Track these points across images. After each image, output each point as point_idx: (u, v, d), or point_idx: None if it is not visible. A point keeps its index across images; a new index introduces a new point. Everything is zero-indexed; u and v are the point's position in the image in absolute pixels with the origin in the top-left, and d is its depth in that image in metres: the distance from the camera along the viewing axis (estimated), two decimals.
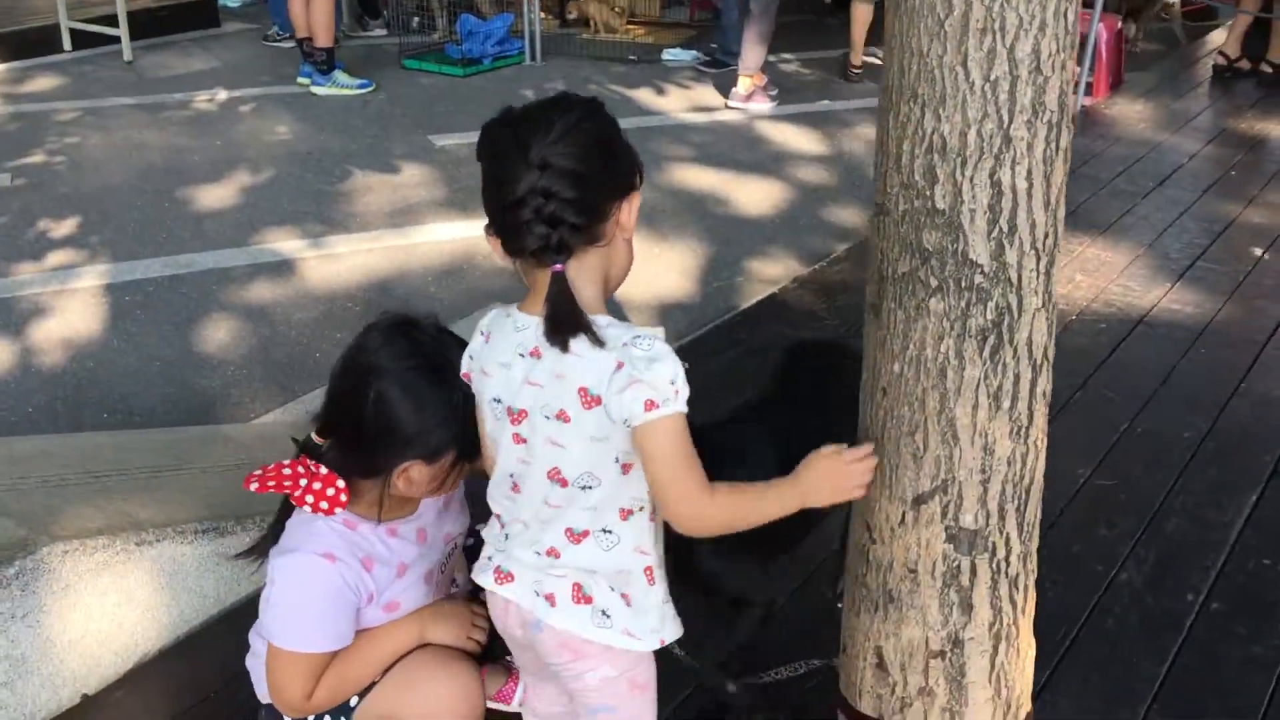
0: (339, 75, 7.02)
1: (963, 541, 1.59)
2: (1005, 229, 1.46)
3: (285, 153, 5.88)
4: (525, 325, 1.49)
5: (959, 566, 1.60)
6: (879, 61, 7.32)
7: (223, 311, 4.19)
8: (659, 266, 4.62)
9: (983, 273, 1.47)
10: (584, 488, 1.49)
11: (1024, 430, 1.55)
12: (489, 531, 1.64)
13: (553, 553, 1.53)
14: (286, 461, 1.70)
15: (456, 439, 1.67)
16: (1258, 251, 4.31)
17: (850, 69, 7.46)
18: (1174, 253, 4.31)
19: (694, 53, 8.11)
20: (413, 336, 1.72)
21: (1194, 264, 4.19)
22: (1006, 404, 1.53)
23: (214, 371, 3.78)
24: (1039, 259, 1.48)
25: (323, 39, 6.92)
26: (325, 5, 6.82)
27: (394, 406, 1.66)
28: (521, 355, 1.48)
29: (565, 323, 1.41)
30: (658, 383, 1.39)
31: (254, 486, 1.69)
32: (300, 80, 7.07)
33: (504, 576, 1.57)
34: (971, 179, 1.44)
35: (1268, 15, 6.61)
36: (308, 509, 1.68)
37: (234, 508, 2.45)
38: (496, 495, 1.60)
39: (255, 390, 3.67)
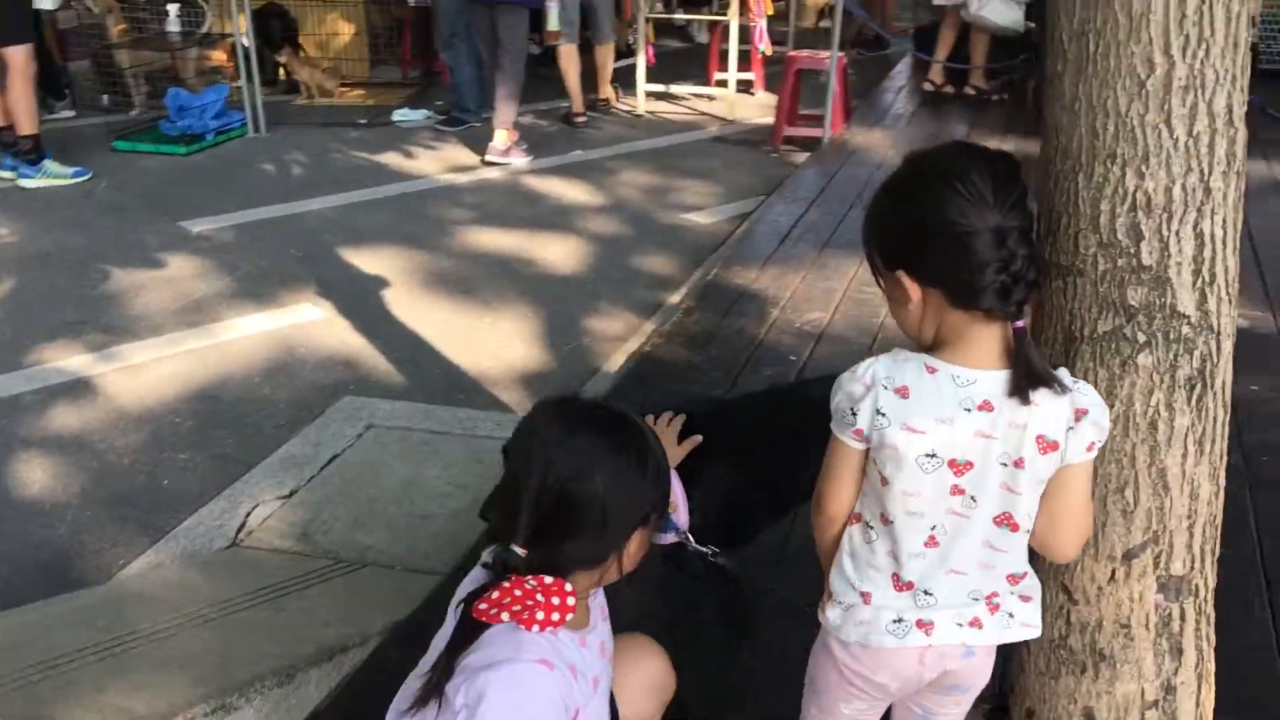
0: (49, 165, 6.31)
1: (1172, 589, 1.60)
2: (1207, 279, 1.48)
3: (17, 256, 5.21)
4: (971, 380, 1.47)
5: (1170, 614, 1.61)
6: (623, 107, 7.48)
7: (29, 447, 3.63)
8: (499, 336, 4.45)
9: (1189, 323, 1.49)
10: (1027, 531, 1.52)
11: (1218, 470, 1.58)
12: (881, 595, 1.57)
13: (993, 596, 1.56)
14: (504, 583, 1.47)
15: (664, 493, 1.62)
16: None
17: (573, 118, 7.52)
18: None
19: (425, 112, 7.93)
20: (583, 410, 1.61)
21: None
22: (1209, 448, 1.55)
23: (53, 518, 3.26)
24: (1231, 303, 1.52)
25: (26, 126, 6.20)
26: (24, 88, 6.13)
27: (624, 482, 1.51)
28: (968, 410, 1.46)
29: (1038, 376, 1.44)
30: (1103, 423, 1.48)
31: (492, 615, 1.46)
32: (3, 175, 6.29)
33: (925, 625, 1.55)
34: (1177, 233, 1.46)
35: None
36: (535, 627, 1.47)
37: (219, 679, 2.11)
38: (901, 553, 1.54)
39: (112, 534, 3.20)
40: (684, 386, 3.66)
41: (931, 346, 1.52)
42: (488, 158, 6.72)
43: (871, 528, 1.57)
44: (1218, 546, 1.65)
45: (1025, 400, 1.45)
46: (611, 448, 1.52)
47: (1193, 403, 1.52)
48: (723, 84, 8.30)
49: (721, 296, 4.38)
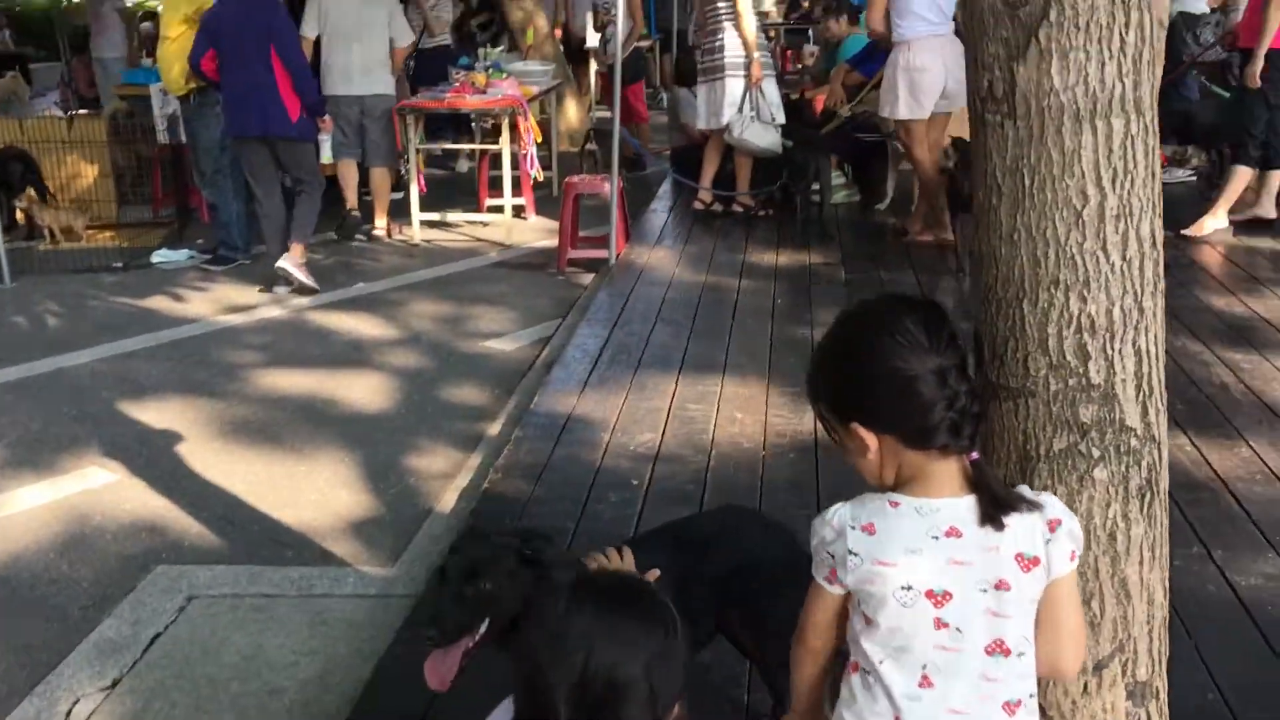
0: None
1: (1138, 695, 1.65)
2: (1147, 391, 1.57)
3: None
4: (934, 509, 1.50)
5: (1138, 719, 1.65)
6: (399, 237, 7.37)
7: None
8: (318, 484, 4.22)
9: (1136, 436, 1.57)
10: (1020, 654, 1.52)
11: (1165, 574, 1.66)
12: None
13: None
14: None
15: None
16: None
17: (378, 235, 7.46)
18: (791, 379, 4.71)
19: (187, 251, 7.58)
20: (596, 589, 1.52)
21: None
22: (1159, 553, 1.63)
23: None
24: (1164, 412, 1.61)
25: None
26: None
27: (667, 656, 1.45)
28: (935, 538, 1.49)
29: (1005, 502, 1.49)
30: (1077, 532, 1.51)
31: None
32: None
33: None
34: (1120, 351, 1.54)
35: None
36: None
37: None
38: (897, 699, 1.52)
39: None
40: (535, 521, 3.55)
41: (893, 486, 1.55)
42: (291, 271, 6.46)
43: (869, 674, 1.56)
44: (1166, 647, 1.72)
45: (998, 527, 1.48)
46: (643, 625, 1.45)
47: (1144, 511, 1.59)
48: (495, 210, 8.35)
49: (547, 425, 4.32)
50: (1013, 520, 1.49)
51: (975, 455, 1.51)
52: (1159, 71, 1.51)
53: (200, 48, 6.44)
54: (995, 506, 1.48)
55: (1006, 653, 1.51)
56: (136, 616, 3.36)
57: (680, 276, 6.32)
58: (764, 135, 7.33)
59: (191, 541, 3.81)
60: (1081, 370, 1.54)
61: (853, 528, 1.53)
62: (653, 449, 4.08)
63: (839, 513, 1.55)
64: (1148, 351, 1.56)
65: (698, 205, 7.71)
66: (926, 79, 6.17)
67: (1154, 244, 1.54)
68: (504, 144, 7.76)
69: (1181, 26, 7.90)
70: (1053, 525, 1.50)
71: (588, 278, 6.87)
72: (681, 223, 7.56)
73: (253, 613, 3.38)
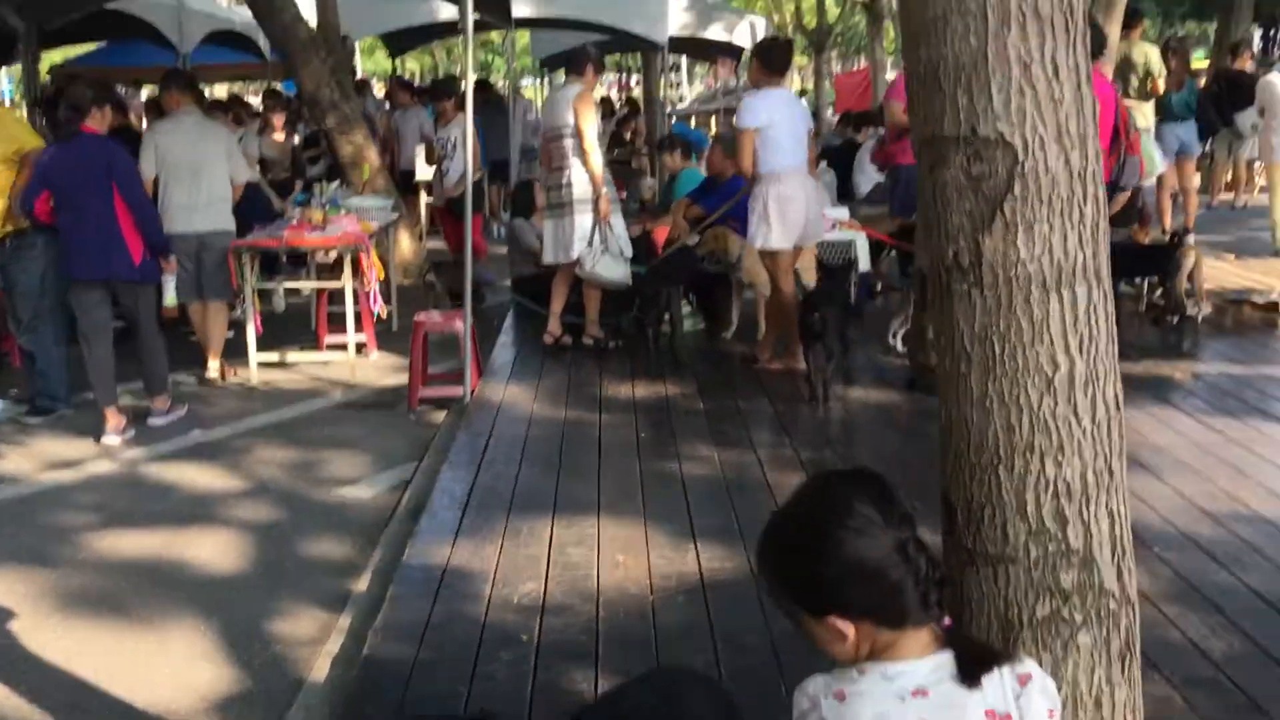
0: None
1: None
2: (1121, 553, 1.58)
3: None
4: (899, 672, 1.50)
5: None
6: (234, 380, 7.07)
7: None
8: (175, 660, 3.91)
9: (1114, 598, 1.58)
10: None
11: None
12: None
13: None
14: None
15: None
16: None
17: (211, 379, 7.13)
18: (667, 516, 4.66)
19: (1, 402, 7.07)
20: None
21: (693, 516, 4.58)
22: (1139, 715, 1.62)
23: None
24: (1134, 572, 1.63)
25: None
26: None
27: None
28: (903, 699, 1.49)
29: (988, 659, 1.49)
30: (1051, 689, 1.50)
31: None
32: None
33: None
34: (1095, 514, 1.55)
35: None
36: None
37: None
38: None
39: None
40: (425, 687, 3.36)
41: (868, 656, 1.53)
42: (154, 420, 6.16)
43: None
44: None
45: (975, 684, 1.47)
46: None
47: (1125, 674, 1.59)
48: (335, 348, 8.12)
49: (422, 579, 4.13)
50: (987, 677, 1.49)
51: (948, 622, 1.51)
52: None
53: (34, 190, 6.14)
54: (974, 664, 1.48)
55: None
56: None
57: (539, 413, 6.23)
58: (615, 268, 7.40)
59: None
60: (1060, 535, 1.54)
61: (825, 697, 1.52)
62: (538, 600, 3.94)
63: (814, 682, 1.56)
64: (1118, 513, 1.58)
65: (548, 339, 7.68)
66: (793, 209, 6.40)
67: (1118, 407, 1.57)
68: (346, 281, 7.58)
69: None
70: (1023, 680, 1.50)
71: (440, 416, 6.72)
72: (532, 356, 7.51)
73: None
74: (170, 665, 3.85)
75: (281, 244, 7.60)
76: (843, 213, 8.67)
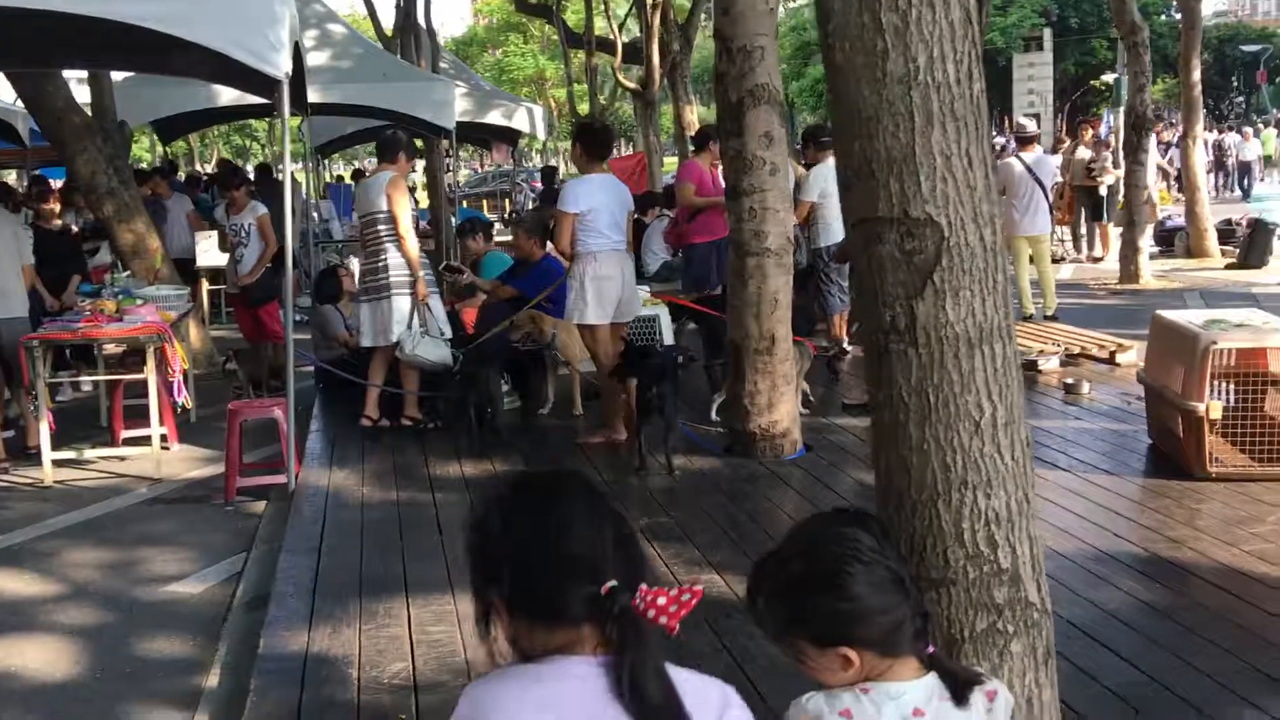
0: None
1: None
2: (1039, 570, 1.85)
3: None
4: (900, 692, 1.65)
5: None
6: (21, 478, 6.67)
7: None
8: None
9: (1037, 609, 1.84)
10: None
11: None
12: None
13: None
14: None
15: None
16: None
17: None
18: None
19: None
20: None
21: None
22: (1057, 712, 1.88)
23: None
24: (1046, 585, 1.90)
25: None
26: None
27: None
28: (905, 718, 1.64)
29: (968, 681, 1.66)
30: (1010, 699, 1.72)
31: None
32: None
33: None
34: (1019, 538, 1.82)
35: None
36: None
37: None
38: None
39: None
40: None
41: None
42: None
43: None
44: None
45: (964, 703, 1.67)
46: None
47: (1049, 677, 1.85)
48: (133, 442, 7.81)
49: (284, 668, 4.07)
50: (971, 695, 1.68)
51: (933, 649, 1.70)
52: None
53: None
54: (964, 686, 1.67)
55: None
56: None
57: (370, 496, 6.20)
58: (435, 350, 7.47)
59: None
60: (993, 557, 1.80)
61: (829, 715, 1.66)
62: (409, 679, 3.96)
63: (814, 700, 1.68)
64: (1035, 536, 1.85)
65: (365, 422, 7.64)
66: (610, 286, 6.66)
67: (1029, 444, 1.85)
68: (150, 372, 7.33)
69: None
70: (990, 696, 1.71)
71: (258, 506, 6.58)
72: (350, 440, 7.44)
73: None
74: None
75: (79, 336, 7.28)
76: (644, 290, 9.02)
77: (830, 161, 8.57)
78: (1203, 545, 4.99)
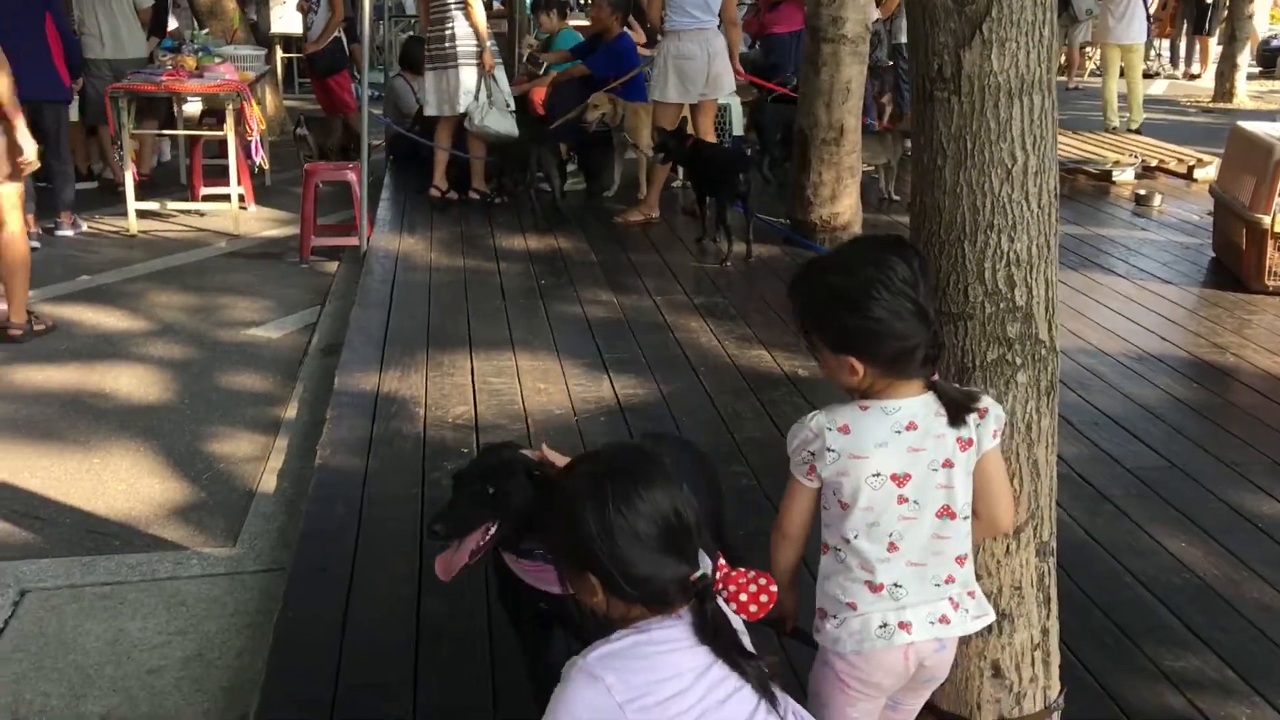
0: None
1: (1044, 552, 2.08)
2: (1052, 311, 2.00)
3: None
4: (896, 408, 1.83)
5: (1043, 572, 2.09)
6: (109, 228, 6.98)
7: None
8: (122, 475, 4.09)
9: (1045, 346, 2.00)
10: (964, 517, 1.88)
11: (1053, 456, 2.10)
12: (864, 601, 1.86)
13: (950, 580, 1.88)
14: None
15: None
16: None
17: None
18: (578, 351, 4.99)
19: None
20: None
21: (602, 351, 4.93)
22: (1054, 439, 2.07)
23: None
24: (1057, 326, 2.05)
25: None
26: None
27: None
28: (898, 432, 1.82)
29: (962, 404, 1.85)
30: (1000, 414, 1.90)
31: None
32: None
33: (905, 626, 1.85)
34: (1035, 280, 1.96)
35: (479, 158, 7.76)
36: None
37: None
38: (870, 563, 1.85)
39: None
40: (379, 490, 3.66)
41: (863, 394, 1.88)
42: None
43: (839, 550, 1.89)
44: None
45: (959, 424, 1.85)
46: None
47: (1049, 406, 2.02)
48: (212, 199, 8.08)
49: (357, 403, 4.37)
50: (965, 416, 1.86)
51: (935, 376, 1.86)
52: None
53: None
54: (957, 409, 1.84)
55: (953, 516, 1.87)
56: None
57: (438, 261, 6.44)
58: (502, 121, 7.56)
59: (0, 539, 3.60)
60: (1009, 295, 1.94)
61: (829, 429, 1.84)
62: (470, 420, 4.25)
63: (815, 418, 1.86)
64: (1051, 280, 1.99)
65: (433, 193, 7.82)
66: (691, 66, 6.72)
67: (1056, 194, 1.97)
68: (229, 130, 7.53)
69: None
70: (981, 413, 1.87)
71: (331, 266, 6.86)
72: (419, 210, 7.65)
73: (99, 600, 3.28)
74: (119, 481, 4.03)
75: (161, 89, 7.47)
76: None
77: None
78: (1246, 352, 5.09)
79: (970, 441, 1.86)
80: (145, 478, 4.06)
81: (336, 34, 9.63)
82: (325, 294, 6.32)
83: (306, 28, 10.19)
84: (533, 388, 4.57)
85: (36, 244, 6.47)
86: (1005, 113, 1.88)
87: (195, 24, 10.45)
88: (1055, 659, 2.20)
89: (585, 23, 10.63)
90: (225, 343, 5.53)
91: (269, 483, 4.06)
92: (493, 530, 2.14)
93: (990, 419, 1.88)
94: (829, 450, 1.84)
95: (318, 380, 5.01)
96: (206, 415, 4.65)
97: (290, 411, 4.69)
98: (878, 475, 1.84)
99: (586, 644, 1.67)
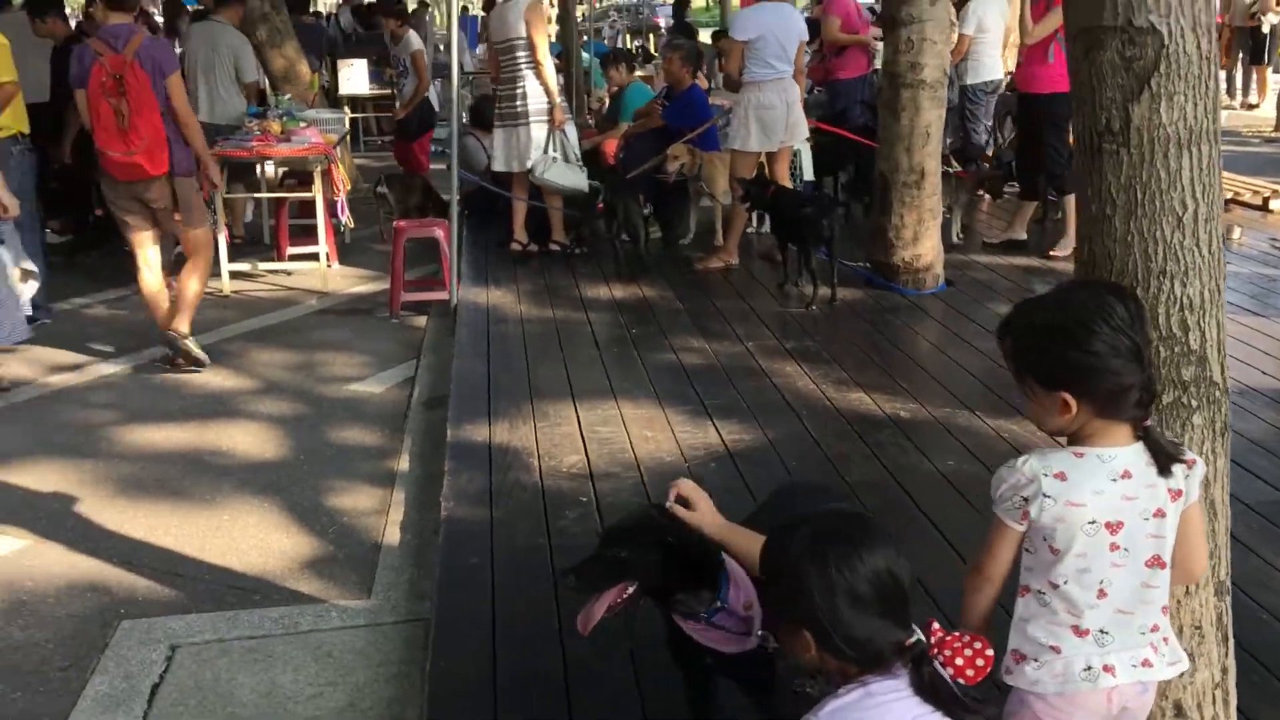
0: None
1: (1221, 591, 2.12)
2: (1223, 354, 2.05)
3: None
4: (1112, 456, 1.86)
5: (1221, 611, 2.12)
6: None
7: None
8: (251, 531, 4.22)
9: (1219, 388, 2.05)
10: (1168, 567, 1.91)
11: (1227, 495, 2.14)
12: (1068, 645, 1.89)
13: (1154, 628, 1.92)
14: None
15: None
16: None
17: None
18: (679, 398, 5.07)
19: None
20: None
21: (703, 398, 5.01)
22: (1227, 480, 2.11)
23: None
24: (1227, 368, 2.10)
25: None
26: None
27: None
28: (1114, 480, 1.86)
29: (1171, 455, 1.88)
30: (1204, 468, 1.93)
31: None
32: None
33: (1110, 669, 1.88)
34: (1208, 324, 2.01)
35: (540, 205, 7.91)
36: None
37: None
38: (1079, 608, 1.89)
39: None
40: (507, 541, 3.74)
41: (1072, 439, 1.91)
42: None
43: (1044, 594, 1.92)
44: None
45: (1168, 474, 1.88)
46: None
47: (1223, 447, 2.07)
48: (297, 259, 8.28)
49: (472, 455, 4.47)
50: (1173, 467, 1.89)
51: (1149, 421, 1.89)
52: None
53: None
54: (1167, 459, 1.87)
55: (1162, 565, 1.91)
56: (125, 671, 3.29)
57: (528, 313, 6.56)
58: (568, 175, 7.70)
59: (145, 596, 3.73)
60: (1184, 340, 2.00)
61: (1045, 475, 1.86)
62: (584, 469, 4.33)
63: (1029, 463, 1.88)
64: (1221, 323, 2.04)
65: (514, 246, 7.96)
66: (772, 116, 6.85)
67: (1223, 240, 2.02)
68: (317, 192, 7.73)
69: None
70: (1190, 464, 1.91)
71: (420, 320, 7.00)
72: (501, 263, 7.79)
73: (247, 654, 3.38)
74: (249, 537, 4.15)
75: (254, 154, 7.70)
76: None
77: None
78: None
79: (1180, 493, 1.90)
80: (274, 533, 4.18)
81: (422, 97, 9.91)
82: (418, 348, 6.45)
83: (395, 92, 10.48)
84: (640, 435, 4.64)
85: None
86: (1175, 163, 1.95)
87: (271, 89, 10.76)
88: (1234, 698, 2.22)
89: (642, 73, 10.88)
90: (330, 398, 5.66)
91: (393, 535, 4.16)
92: (630, 590, 2.23)
93: (1197, 470, 1.92)
94: (1045, 496, 1.87)
95: (424, 433, 5.12)
96: (322, 470, 4.76)
97: (402, 464, 4.80)
98: (1093, 523, 1.87)
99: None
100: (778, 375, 5.36)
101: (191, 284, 6.01)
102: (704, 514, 2.30)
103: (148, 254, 5.97)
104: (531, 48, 7.51)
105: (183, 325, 5.99)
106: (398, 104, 10.04)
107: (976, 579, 2.01)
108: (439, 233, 7.05)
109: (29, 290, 6.27)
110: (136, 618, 3.58)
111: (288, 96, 9.44)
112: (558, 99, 7.67)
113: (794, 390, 5.15)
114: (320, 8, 18.51)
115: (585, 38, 16.13)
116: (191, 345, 5.98)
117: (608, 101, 10.13)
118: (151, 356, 6.23)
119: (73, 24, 9.39)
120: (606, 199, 7.67)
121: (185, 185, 5.86)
